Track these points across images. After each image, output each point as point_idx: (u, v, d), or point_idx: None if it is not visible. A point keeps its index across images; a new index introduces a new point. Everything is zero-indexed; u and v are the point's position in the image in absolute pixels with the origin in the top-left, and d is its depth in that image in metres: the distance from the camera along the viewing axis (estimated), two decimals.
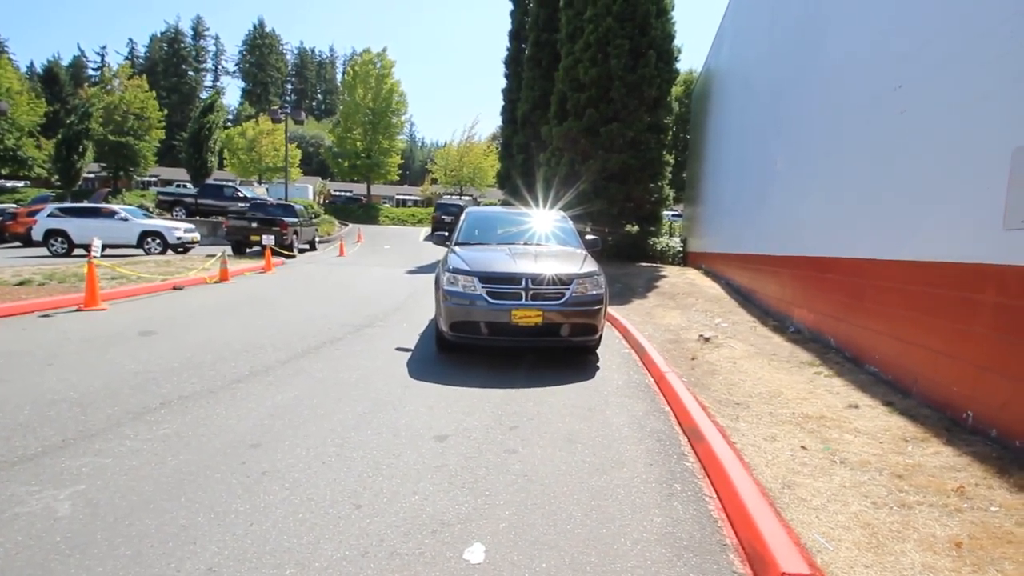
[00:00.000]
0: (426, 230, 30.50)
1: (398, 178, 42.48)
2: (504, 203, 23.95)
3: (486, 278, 5.18)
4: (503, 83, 23.34)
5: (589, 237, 6.73)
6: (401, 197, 56.37)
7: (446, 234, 6.72)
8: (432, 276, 13.18)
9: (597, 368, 5.32)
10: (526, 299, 5.07)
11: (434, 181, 50.71)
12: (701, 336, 6.54)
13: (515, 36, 22.29)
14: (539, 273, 5.17)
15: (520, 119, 19.70)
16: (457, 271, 5.32)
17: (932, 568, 2.03)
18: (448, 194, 48.46)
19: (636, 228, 17.23)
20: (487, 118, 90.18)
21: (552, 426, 3.70)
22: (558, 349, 5.67)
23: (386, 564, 2.11)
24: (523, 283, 5.11)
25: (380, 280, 12.40)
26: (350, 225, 28.80)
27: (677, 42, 15.69)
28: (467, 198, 49.28)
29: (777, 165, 7.21)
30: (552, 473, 2.96)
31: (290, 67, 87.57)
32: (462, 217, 6.95)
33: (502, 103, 23.24)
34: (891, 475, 2.83)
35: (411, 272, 14.38)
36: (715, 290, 10.15)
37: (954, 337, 3.56)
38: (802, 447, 3.21)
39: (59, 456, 2.97)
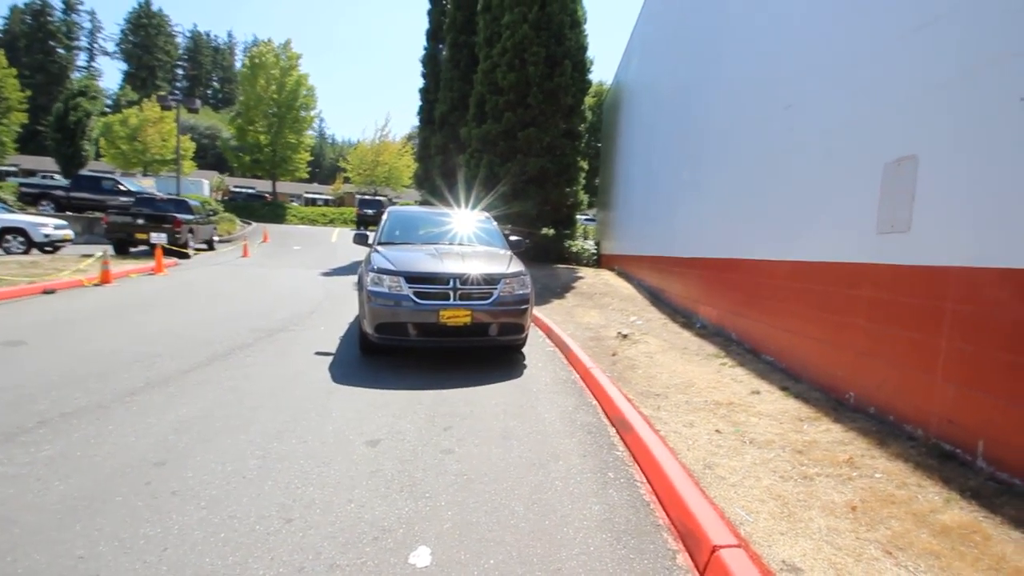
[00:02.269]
0: (340, 230, 29.27)
1: (307, 176, 40.29)
2: (423, 203, 23.57)
3: (413, 278, 5.07)
4: (418, 83, 23.06)
5: (513, 238, 6.82)
6: (310, 196, 53.51)
7: (368, 234, 6.49)
8: (349, 279, 12.77)
9: (525, 366, 5.40)
10: (454, 299, 5.04)
11: (346, 180, 48.77)
12: (619, 333, 6.86)
13: (432, 36, 22.08)
14: (466, 273, 5.15)
15: (438, 120, 19.53)
16: (382, 271, 5.16)
17: (835, 530, 2.29)
18: (363, 193, 46.87)
19: (552, 231, 17.73)
20: (400, 117, 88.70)
21: (486, 424, 3.70)
22: (485, 349, 5.68)
23: None
24: (451, 283, 5.07)
25: (291, 283, 11.69)
26: (253, 224, 26.84)
27: (589, 54, 16.39)
28: (382, 198, 47.95)
29: (683, 175, 7.75)
30: (490, 471, 2.97)
31: (181, 51, 79.97)
32: (384, 216, 6.76)
33: (419, 103, 22.89)
34: (792, 451, 3.15)
35: (325, 274, 13.71)
36: (628, 290, 10.70)
37: (837, 328, 4.04)
38: (716, 431, 3.49)
39: None
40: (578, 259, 17.49)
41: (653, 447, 3.03)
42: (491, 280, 5.20)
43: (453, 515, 2.48)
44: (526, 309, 5.35)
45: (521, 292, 5.35)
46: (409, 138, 50.16)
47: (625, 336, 6.71)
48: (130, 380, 4.34)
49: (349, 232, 29.68)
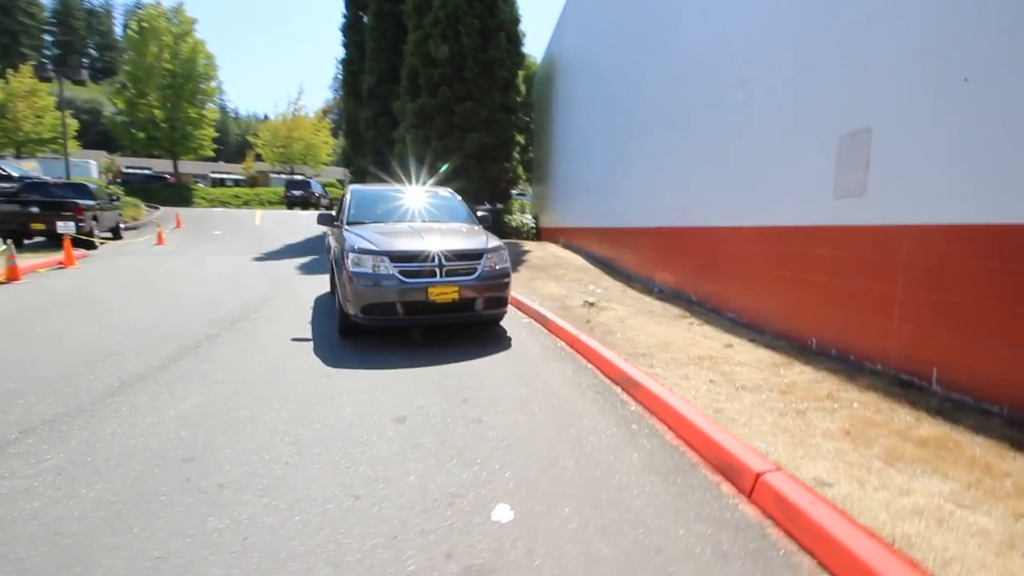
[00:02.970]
0: (262, 212, 27.46)
1: (213, 154, 37.05)
2: (352, 181, 22.59)
3: (398, 256, 5.02)
4: (332, 51, 22.12)
5: (480, 213, 6.87)
6: (218, 175, 49.29)
7: (332, 214, 6.27)
8: (289, 264, 12.16)
9: (509, 338, 5.56)
10: (440, 275, 5.06)
11: (258, 158, 45.46)
12: (585, 302, 7.19)
13: (352, 3, 20.89)
14: (451, 249, 5.18)
15: (366, 92, 18.71)
16: (364, 251, 5.06)
17: (841, 451, 2.70)
18: (278, 172, 44.08)
19: (488, 206, 17.81)
20: (313, 89, 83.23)
21: (500, 394, 3.85)
22: (466, 325, 5.77)
23: (424, 541, 2.09)
24: (436, 260, 5.08)
25: (228, 270, 10.96)
26: (161, 208, 24.46)
27: (521, 27, 16.34)
28: (299, 177, 45.33)
29: (632, 150, 8.12)
30: (525, 434, 3.13)
31: (48, 14, 69.46)
32: (347, 195, 6.54)
33: (341, 74, 21.72)
34: (779, 392, 3.59)
35: (260, 260, 12.95)
36: (579, 261, 11.10)
37: (798, 285, 4.56)
38: (711, 380, 3.87)
39: None
40: (519, 233, 17.75)
41: (667, 398, 3.34)
42: (475, 255, 5.27)
43: (511, 476, 2.63)
44: (508, 282, 5.49)
45: (502, 266, 5.47)
46: (325, 112, 47.53)
47: (592, 304, 7.05)
48: (101, 381, 4.01)
49: (272, 214, 28.07)
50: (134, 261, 11.88)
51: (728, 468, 2.55)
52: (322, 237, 20.02)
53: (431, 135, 15.44)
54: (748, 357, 4.42)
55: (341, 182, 41.38)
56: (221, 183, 45.95)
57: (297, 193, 31.19)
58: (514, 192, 22.43)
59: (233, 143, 62.90)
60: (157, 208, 24.15)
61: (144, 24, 31.35)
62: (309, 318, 6.47)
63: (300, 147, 42.35)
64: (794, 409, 3.28)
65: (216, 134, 36.12)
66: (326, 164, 46.04)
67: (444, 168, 14.24)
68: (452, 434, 3.13)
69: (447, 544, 2.08)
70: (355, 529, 2.17)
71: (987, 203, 2.99)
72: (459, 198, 7.08)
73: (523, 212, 20.22)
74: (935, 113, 3.30)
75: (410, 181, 15.20)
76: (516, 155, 17.29)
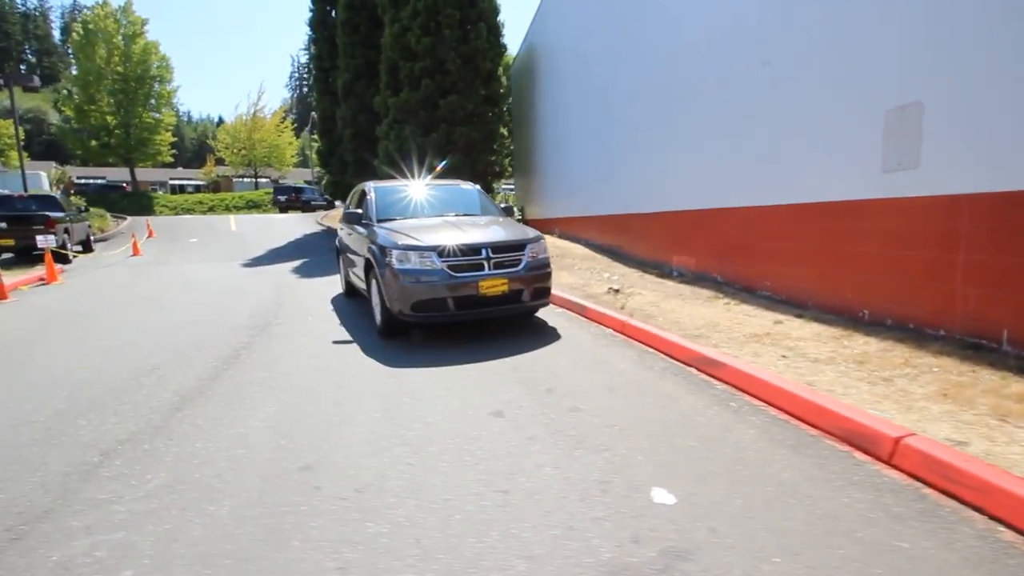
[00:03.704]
0: (236, 217, 26.51)
1: (172, 160, 35.46)
2: (319, 182, 22.01)
3: (445, 251, 4.93)
4: (288, 49, 21.31)
5: (503, 206, 6.81)
6: (177, 182, 47.18)
7: (359, 212, 6.10)
8: (283, 267, 11.79)
9: (552, 328, 5.54)
10: (488, 268, 5.00)
11: (219, 162, 43.79)
12: (610, 289, 7.23)
13: None
14: (497, 241, 5.14)
15: (342, 89, 18.25)
16: (409, 248, 4.95)
17: (948, 411, 2.81)
18: (242, 176, 42.66)
19: None
20: (271, 89, 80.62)
21: (578, 382, 3.83)
22: (509, 317, 5.71)
23: (602, 528, 2.07)
24: (483, 253, 5.02)
25: (223, 278, 10.54)
26: (129, 218, 23.27)
27: (500, 18, 16.21)
28: (303, 185, 44.10)
29: (648, 139, 8.16)
30: (632, 419, 3.13)
31: None
32: (369, 193, 6.36)
33: (312, 71, 21.08)
34: (855, 363, 3.70)
35: (250, 266, 12.52)
36: (581, 250, 11.14)
37: (844, 258, 4.71)
38: (783, 356, 3.96)
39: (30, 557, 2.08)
40: None
41: (758, 375, 3.40)
42: (519, 246, 5.23)
43: (644, 459, 2.63)
44: (550, 272, 5.47)
45: (543, 256, 5.44)
46: (286, 111, 46.14)
47: (616, 291, 7.09)
48: (157, 396, 3.80)
49: (246, 219, 27.19)
50: (117, 273, 11.29)
51: (857, 436, 2.62)
52: (306, 240, 19.54)
53: (416, 130, 15.20)
54: (804, 332, 4.53)
55: (310, 183, 40.29)
56: (181, 189, 44.09)
57: (282, 199, 32.32)
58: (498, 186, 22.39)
59: (189, 147, 60.33)
60: (124, 218, 23.00)
61: (89, 26, 29.64)
62: (336, 320, 6.30)
63: (263, 149, 41.03)
64: (880, 378, 3.39)
65: (174, 139, 34.62)
66: (291, 167, 44.77)
67: (444, 162, 14.00)
68: (559, 424, 3.11)
69: (627, 529, 2.07)
70: (525, 523, 2.13)
71: None
72: (481, 191, 7.00)
73: (506, 204, 20.13)
74: (994, 85, 3.45)
75: (404, 178, 14.97)
76: (500, 148, 17.21)
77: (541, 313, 6.26)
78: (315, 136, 45.95)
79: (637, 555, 1.91)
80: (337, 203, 26.68)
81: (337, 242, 8.14)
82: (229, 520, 2.24)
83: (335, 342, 5.26)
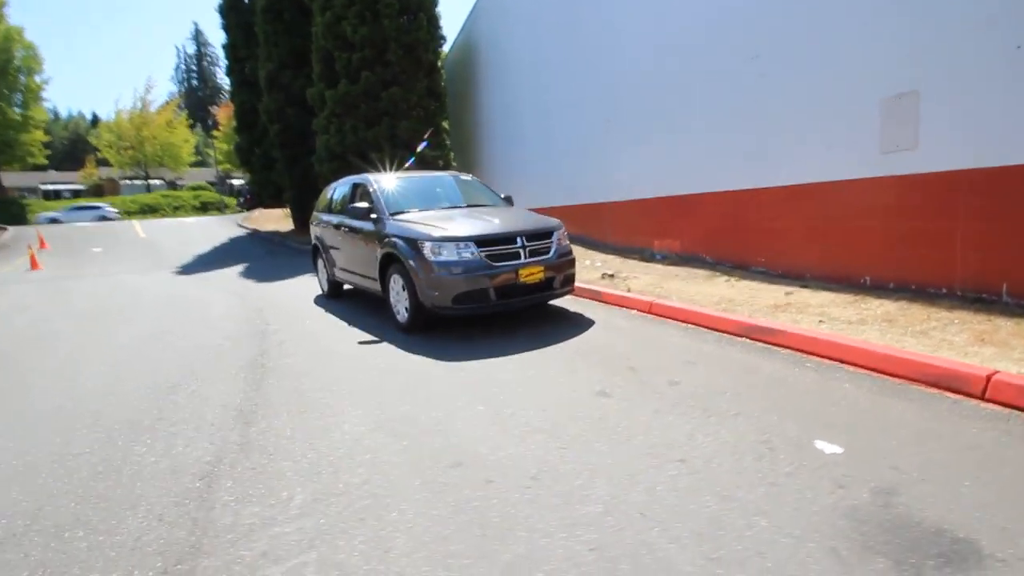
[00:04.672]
0: (141, 223, 23.74)
1: (46, 161, 30.94)
2: (253, 181, 20.34)
3: (483, 241, 4.85)
4: (171, 39, 19.44)
5: (504, 195, 6.77)
6: (51, 187, 41.08)
7: (363, 206, 5.77)
8: (225, 273, 10.83)
9: (576, 314, 5.63)
10: (525, 256, 4.99)
11: (101, 163, 38.91)
12: (604, 274, 7.45)
13: None
14: (529, 229, 5.14)
15: (265, 81, 16.98)
16: (445, 239, 4.81)
17: (997, 352, 3.27)
18: (131, 178, 38.30)
19: None
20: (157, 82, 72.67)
21: (653, 360, 3.95)
22: (534, 306, 5.69)
23: (798, 481, 2.21)
24: (518, 241, 5.00)
25: (165, 289, 9.49)
26: (10, 228, 19.96)
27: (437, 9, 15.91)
28: (158, 181, 39.93)
29: (624, 131, 8.46)
30: (735, 386, 3.32)
31: None
32: (371, 187, 6.04)
33: (227, 61, 19.39)
34: (886, 322, 4.17)
35: (183, 274, 11.37)
36: None
37: (845, 232, 5.25)
38: (820, 321, 4.35)
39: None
40: None
41: (823, 336, 3.74)
42: (548, 233, 5.26)
43: (780, 419, 2.81)
44: (575, 259, 5.55)
45: (566, 243, 5.52)
46: (179, 105, 41.99)
47: (612, 276, 7.34)
48: (207, 413, 3.43)
49: (150, 224, 24.49)
50: (28, 291, 9.73)
51: (945, 379, 2.98)
52: (234, 245, 17.99)
53: (358, 124, 14.57)
54: (820, 299, 5.00)
55: (213, 184, 37.10)
56: (56, 195, 38.55)
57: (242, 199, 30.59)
58: None
59: (60, 148, 52.80)
60: (5, 229, 19.73)
61: None
62: (340, 321, 5.96)
63: (154, 147, 37.11)
64: (916, 331, 3.86)
65: (47, 138, 30.27)
66: (189, 166, 40.88)
67: (376, 158, 13.42)
68: (670, 397, 3.21)
69: (823, 479, 2.22)
70: (727, 484, 2.22)
71: None
72: (481, 181, 6.90)
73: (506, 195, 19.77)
74: (986, 76, 4.03)
75: (339, 173, 14.32)
76: (443, 142, 16.94)
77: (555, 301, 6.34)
78: (214, 133, 42.30)
79: (853, 497, 2.07)
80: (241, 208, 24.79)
81: (315, 241, 7.64)
82: (425, 521, 2.11)
83: (362, 342, 4.99)
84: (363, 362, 4.37)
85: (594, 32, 9.17)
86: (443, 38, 16.00)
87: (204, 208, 32.78)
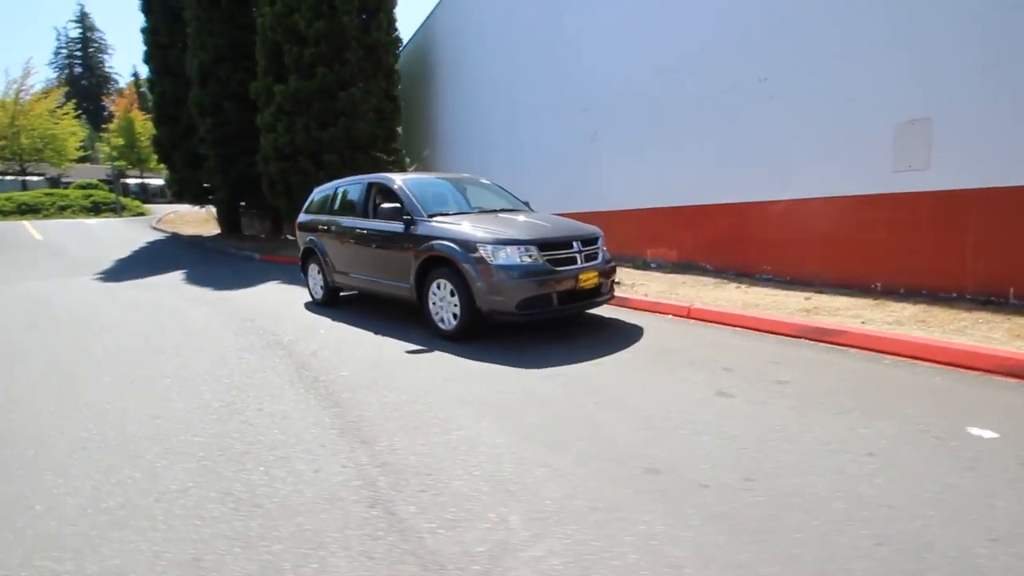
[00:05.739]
0: (37, 223, 20.46)
1: None
2: (174, 179, 18.23)
3: (544, 245, 4.74)
4: (48, 20, 17.46)
5: (523, 201, 6.67)
6: None
7: (395, 206, 5.42)
8: (161, 280, 9.77)
9: (615, 320, 5.65)
10: (581, 261, 4.94)
11: None
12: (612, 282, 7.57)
13: None
14: (582, 234, 5.10)
15: (198, 72, 15.51)
16: (504, 242, 4.64)
17: None
18: (2, 173, 33.13)
19: None
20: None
21: (742, 361, 4.05)
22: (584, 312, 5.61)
23: (970, 464, 2.36)
24: (574, 246, 4.94)
25: (106, 298, 8.25)
26: None
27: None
28: (36, 178, 35.04)
29: (623, 145, 8.69)
30: (840, 384, 3.49)
31: None
32: (399, 186, 5.68)
33: (146, 47, 17.42)
34: (919, 323, 4.60)
35: (111, 281, 10.00)
36: None
37: (854, 242, 5.76)
38: (862, 322, 4.72)
39: None
40: None
41: (888, 336, 4.06)
42: (595, 239, 5.26)
43: (915, 411, 2.99)
44: (616, 265, 5.59)
45: (605, 248, 5.55)
46: (66, 94, 37.09)
47: (618, 283, 7.47)
48: (303, 437, 3.02)
49: (47, 224, 21.25)
50: None
51: (1020, 368, 3.35)
52: (156, 247, 16.03)
53: (310, 123, 13.75)
54: (842, 303, 5.43)
55: (108, 182, 33.02)
56: None
57: None
58: None
59: None
60: None
61: None
62: (354, 329, 5.57)
63: (32, 139, 32.43)
64: (953, 330, 4.31)
65: None
66: (75, 161, 36.13)
67: (329, 160, 12.66)
68: (793, 395, 3.31)
69: (1011, 460, 2.39)
70: (947, 478, 2.32)
71: None
72: (499, 185, 6.75)
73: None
74: (994, 107, 4.65)
75: (285, 175, 13.49)
76: (399, 147, 16.43)
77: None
78: (108, 126, 37.75)
79: None
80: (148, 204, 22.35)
81: (307, 245, 7.04)
82: (682, 532, 1.99)
83: (410, 352, 4.65)
84: (428, 371, 4.07)
85: (573, 41, 9.39)
86: (400, 40, 15.61)
87: (97, 209, 28.98)
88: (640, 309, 6.08)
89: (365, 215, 6.09)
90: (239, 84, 15.36)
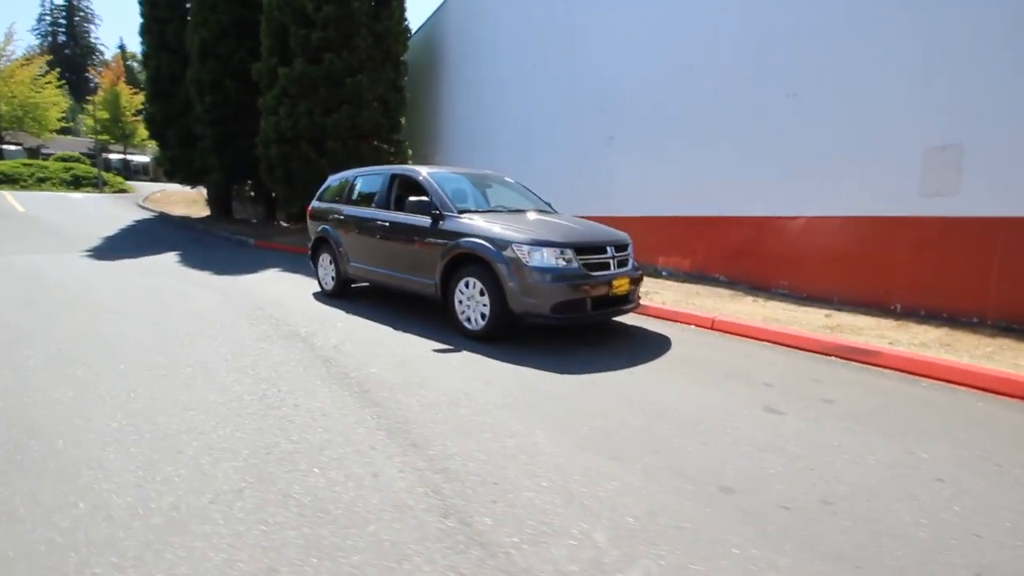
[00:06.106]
0: (18, 193, 19.71)
1: None
2: (163, 155, 17.68)
3: (581, 248, 4.67)
4: None
5: (546, 202, 6.58)
6: None
7: (424, 200, 5.28)
8: (151, 261, 9.50)
9: (638, 328, 5.60)
10: (614, 267, 4.89)
11: None
12: None
13: None
14: (615, 239, 5.05)
15: (198, 49, 15.07)
16: (541, 243, 4.56)
17: None
18: None
19: None
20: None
21: (775, 378, 4.04)
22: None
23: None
24: (608, 251, 4.88)
25: (100, 276, 7.93)
26: None
27: None
28: (13, 147, 33.88)
29: (643, 153, 8.64)
30: (887, 407, 3.49)
31: None
32: (426, 181, 5.56)
33: (143, 19, 16.86)
34: (944, 347, 4.65)
35: (102, 259, 9.64)
36: None
37: (877, 261, 5.81)
38: (889, 343, 4.75)
39: None
40: None
41: (922, 359, 4.09)
42: (626, 245, 5.21)
43: (967, 436, 3.00)
44: (643, 273, 5.55)
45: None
46: (49, 61, 35.78)
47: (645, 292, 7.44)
48: (348, 430, 2.89)
49: (27, 196, 20.51)
50: None
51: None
52: (144, 227, 15.52)
53: (314, 109, 13.48)
54: (865, 323, 5.47)
55: (90, 156, 31.98)
56: None
57: None
58: None
59: None
60: None
61: None
62: (371, 323, 5.43)
63: (12, 107, 31.29)
64: (980, 355, 4.36)
65: None
66: (56, 132, 34.94)
67: (333, 147, 12.35)
68: (841, 415, 3.29)
69: None
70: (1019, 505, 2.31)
71: None
72: (523, 184, 6.65)
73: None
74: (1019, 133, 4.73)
75: (292, 160, 13.22)
76: (401, 139, 16.19)
77: None
78: (93, 98, 36.47)
79: None
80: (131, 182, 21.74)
81: (320, 234, 6.84)
82: (772, 545, 1.93)
83: (437, 351, 4.53)
84: (461, 372, 3.95)
85: (591, 40, 9.33)
86: (408, 31, 15.38)
87: (77, 183, 28.03)
88: (660, 318, 6.04)
89: (387, 207, 5.94)
90: (241, 63, 14.98)
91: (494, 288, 4.64)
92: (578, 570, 1.85)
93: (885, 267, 5.80)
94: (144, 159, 40.52)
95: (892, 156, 5.67)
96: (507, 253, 4.57)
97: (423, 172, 5.73)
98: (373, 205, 6.12)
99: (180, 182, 18.43)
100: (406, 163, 16.35)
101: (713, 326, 5.53)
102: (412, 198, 5.32)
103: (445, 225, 5.11)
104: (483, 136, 14.05)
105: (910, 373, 4.12)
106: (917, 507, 2.29)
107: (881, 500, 2.34)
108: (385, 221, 5.82)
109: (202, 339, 4.64)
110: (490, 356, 4.38)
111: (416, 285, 5.49)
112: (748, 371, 4.16)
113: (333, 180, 7.23)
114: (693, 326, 5.69)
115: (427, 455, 2.66)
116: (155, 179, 35.42)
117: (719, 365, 4.32)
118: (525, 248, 4.52)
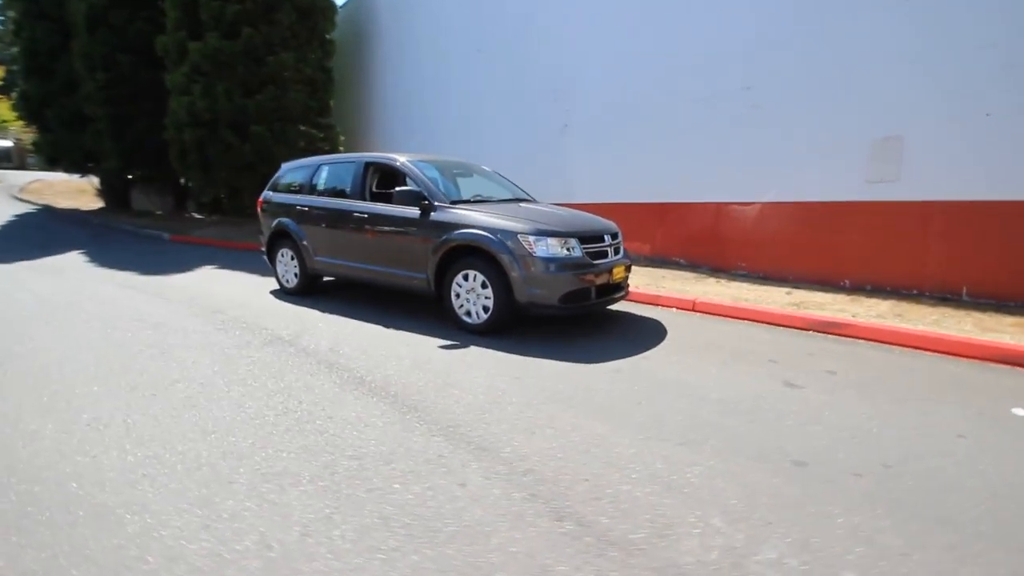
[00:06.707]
0: None
1: None
2: (42, 141, 15.20)
3: (584, 237, 4.67)
4: None
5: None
6: None
7: (415, 190, 5.01)
8: (53, 262, 8.31)
9: (624, 313, 5.75)
10: (612, 255, 4.96)
11: None
12: None
13: None
14: (609, 228, 5.10)
15: (86, 18, 13.18)
16: (546, 233, 4.51)
17: None
18: None
19: None
20: None
21: (775, 354, 4.33)
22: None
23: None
24: (606, 239, 4.94)
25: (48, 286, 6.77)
26: None
27: None
28: None
29: (601, 145, 8.77)
30: (884, 375, 3.87)
31: None
32: (410, 170, 5.27)
33: None
34: (896, 316, 5.23)
35: (35, 267, 8.25)
36: None
37: (827, 244, 6.38)
38: (853, 315, 5.25)
39: None
40: None
41: (888, 328, 4.57)
42: (618, 233, 5.29)
43: (961, 396, 3.40)
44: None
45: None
46: None
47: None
48: (403, 434, 2.73)
49: None
50: None
51: (1014, 356, 3.95)
52: (26, 220, 13.35)
53: (234, 89, 12.33)
54: (823, 299, 5.97)
55: (41, 142, 26.89)
56: None
57: None
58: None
59: None
60: None
61: None
62: (354, 321, 5.13)
63: None
64: (931, 322, 4.96)
65: None
66: None
67: (256, 131, 11.48)
68: (850, 385, 3.60)
69: None
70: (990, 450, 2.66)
71: (997, 187, 5.22)
72: (500, 173, 6.51)
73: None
74: (960, 132, 5.38)
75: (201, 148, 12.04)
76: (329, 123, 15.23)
77: None
78: None
79: None
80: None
81: (279, 227, 6.29)
82: (871, 510, 2.08)
83: (443, 347, 4.37)
84: (485, 369, 3.85)
85: (547, 27, 9.33)
86: (336, 7, 14.42)
87: None
88: (641, 302, 6.22)
89: (362, 197, 5.58)
90: (139, 35, 13.29)
91: (499, 280, 4.53)
92: (717, 558, 1.88)
93: (835, 247, 6.40)
94: (6, 143, 34.83)
95: (842, 147, 6.23)
96: (511, 244, 4.47)
97: (401, 159, 5.44)
98: (344, 196, 5.72)
99: (65, 170, 16.13)
100: (337, 150, 15.45)
101: (694, 308, 5.81)
102: (399, 188, 5.03)
103: (436, 216, 4.90)
104: (421, 122, 13.56)
105: (881, 342, 4.60)
106: (957, 462, 2.57)
107: (927, 460, 2.60)
108: (363, 212, 5.46)
109: (175, 350, 4.11)
110: (500, 350, 4.29)
111: (402, 280, 5.23)
112: (751, 350, 4.41)
113: (288, 168, 6.65)
114: (675, 309, 5.93)
115: (502, 458, 2.56)
116: (21, 167, 30.66)
117: (720, 345, 4.55)
118: (531, 238, 4.45)
